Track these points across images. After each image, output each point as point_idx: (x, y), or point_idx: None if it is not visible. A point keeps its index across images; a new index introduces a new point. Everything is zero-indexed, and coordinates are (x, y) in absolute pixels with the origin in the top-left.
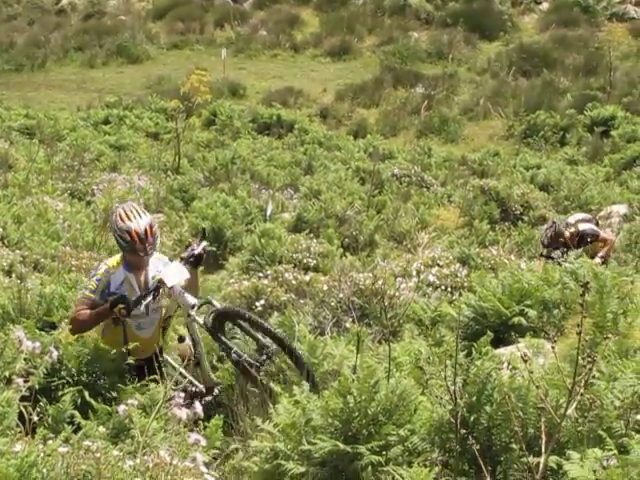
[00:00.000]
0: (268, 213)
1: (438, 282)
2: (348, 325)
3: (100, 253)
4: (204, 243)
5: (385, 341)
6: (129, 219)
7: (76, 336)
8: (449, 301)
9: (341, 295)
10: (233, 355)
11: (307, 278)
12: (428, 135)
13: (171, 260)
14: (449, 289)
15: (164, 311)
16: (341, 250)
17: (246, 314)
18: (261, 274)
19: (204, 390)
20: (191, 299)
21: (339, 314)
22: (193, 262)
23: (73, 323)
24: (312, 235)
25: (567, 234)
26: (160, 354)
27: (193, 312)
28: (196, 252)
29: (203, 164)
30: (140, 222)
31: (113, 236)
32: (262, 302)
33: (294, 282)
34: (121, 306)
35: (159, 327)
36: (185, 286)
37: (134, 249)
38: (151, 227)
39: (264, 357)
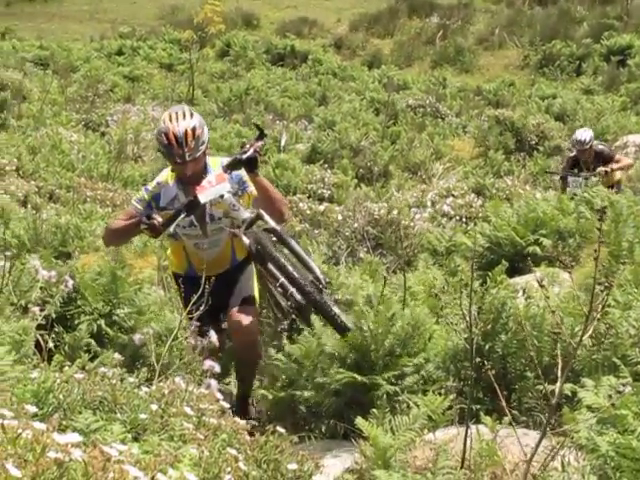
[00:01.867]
0: (282, 144)
1: (453, 212)
2: (362, 255)
3: (115, 184)
4: (259, 143)
5: (400, 270)
6: (170, 121)
7: (95, 262)
8: (464, 231)
9: (355, 225)
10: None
11: (321, 208)
12: (443, 65)
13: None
14: (464, 219)
15: (227, 229)
16: (355, 181)
17: (296, 247)
18: None
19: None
20: (242, 213)
21: (353, 244)
22: (247, 166)
23: (105, 232)
24: (326, 166)
25: (579, 152)
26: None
27: (239, 231)
28: (245, 155)
29: (217, 95)
30: (181, 124)
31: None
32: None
33: (308, 212)
34: (144, 226)
35: (229, 246)
36: (256, 197)
37: (170, 153)
38: (193, 131)
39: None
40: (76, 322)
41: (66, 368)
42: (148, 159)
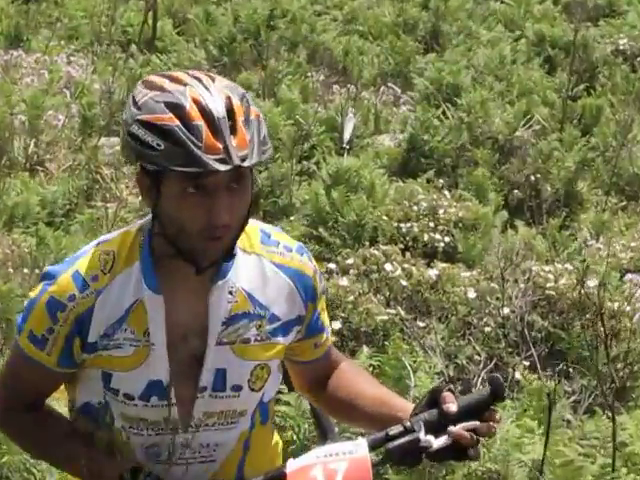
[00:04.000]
0: (347, 136)
1: None
2: (520, 374)
3: None
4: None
5: (603, 409)
6: (185, 84)
7: None
8: None
9: (506, 311)
10: None
11: (432, 275)
12: None
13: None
14: None
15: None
16: (505, 214)
17: None
18: (332, 264)
19: None
20: None
21: (501, 351)
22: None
23: None
24: (441, 182)
25: None
26: None
27: None
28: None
29: (205, 32)
30: (217, 90)
31: (125, 146)
32: (338, 324)
33: (404, 283)
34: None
35: (236, 458)
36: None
37: (189, 157)
38: (247, 106)
39: None
40: None
41: None
42: (60, 169)
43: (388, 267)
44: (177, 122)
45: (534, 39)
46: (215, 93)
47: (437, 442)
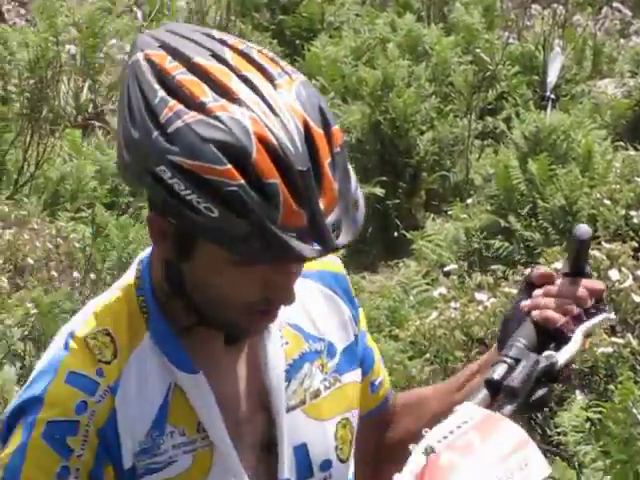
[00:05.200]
0: (552, 79)
1: None
2: None
3: None
4: (599, 318)
5: None
6: (224, 92)
7: None
8: None
9: None
10: None
11: None
12: None
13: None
14: None
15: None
16: None
17: None
18: (518, 275)
19: None
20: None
21: None
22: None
23: None
24: None
25: None
26: None
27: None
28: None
29: None
30: (284, 117)
31: (138, 182)
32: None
33: (638, 299)
34: None
35: None
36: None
37: (263, 238)
38: (331, 147)
39: None
40: None
41: None
42: None
43: (614, 275)
44: (241, 180)
45: None
46: (288, 117)
47: (563, 354)
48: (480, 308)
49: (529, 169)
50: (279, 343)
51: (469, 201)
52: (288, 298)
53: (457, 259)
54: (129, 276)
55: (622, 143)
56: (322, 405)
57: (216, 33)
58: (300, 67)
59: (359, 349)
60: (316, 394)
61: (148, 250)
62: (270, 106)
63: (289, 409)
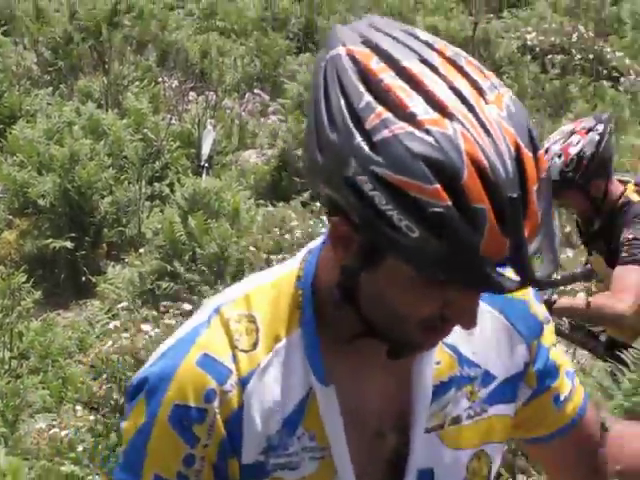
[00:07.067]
0: (205, 152)
1: None
2: None
3: None
4: None
5: None
6: (438, 106)
7: None
8: None
9: None
10: None
11: None
12: None
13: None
14: None
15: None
16: None
17: None
18: (189, 305)
19: None
20: None
21: None
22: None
23: None
24: (319, 206)
25: None
26: None
27: None
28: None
29: (36, 30)
30: (496, 138)
31: (327, 187)
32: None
33: None
34: None
35: None
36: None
37: (462, 264)
38: (539, 172)
39: None
40: None
41: None
42: None
43: None
44: (448, 202)
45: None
46: (500, 137)
47: None
48: (147, 337)
49: (189, 224)
50: (432, 362)
51: (142, 250)
52: (470, 322)
53: (133, 298)
54: (293, 264)
55: (263, 201)
56: (460, 433)
57: (420, 33)
58: (3, 147)
59: (536, 367)
60: (456, 420)
61: (318, 241)
62: (482, 124)
63: (427, 430)
